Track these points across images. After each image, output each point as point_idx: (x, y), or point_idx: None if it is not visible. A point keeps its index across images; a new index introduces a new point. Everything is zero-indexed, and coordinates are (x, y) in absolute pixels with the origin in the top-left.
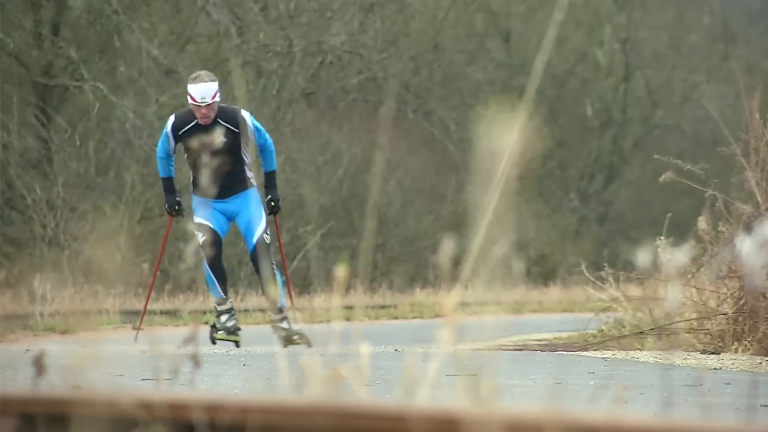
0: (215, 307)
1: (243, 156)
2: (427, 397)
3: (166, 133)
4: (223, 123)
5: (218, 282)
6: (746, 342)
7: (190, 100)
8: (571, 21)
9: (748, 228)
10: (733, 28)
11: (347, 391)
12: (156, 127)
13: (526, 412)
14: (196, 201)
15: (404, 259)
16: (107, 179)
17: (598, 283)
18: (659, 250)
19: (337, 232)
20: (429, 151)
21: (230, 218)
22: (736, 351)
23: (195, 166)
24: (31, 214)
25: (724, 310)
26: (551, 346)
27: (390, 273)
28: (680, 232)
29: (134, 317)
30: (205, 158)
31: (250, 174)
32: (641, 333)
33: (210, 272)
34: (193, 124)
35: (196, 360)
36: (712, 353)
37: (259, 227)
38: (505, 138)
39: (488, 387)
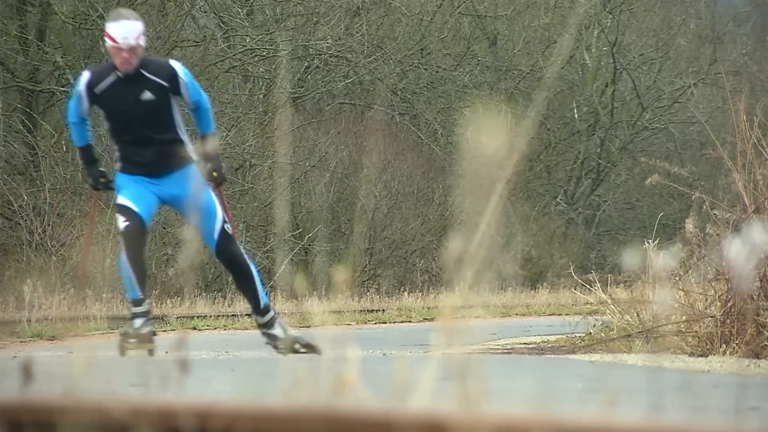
0: (130, 309)
1: (176, 120)
2: (416, 401)
3: (78, 92)
4: (149, 75)
5: (137, 279)
6: (734, 344)
7: (108, 42)
8: (559, 24)
9: (736, 231)
10: (720, 32)
11: (336, 396)
12: None
13: (514, 415)
14: (119, 178)
15: (392, 263)
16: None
17: (586, 286)
18: (647, 252)
19: (324, 236)
20: (416, 154)
21: (164, 202)
22: (724, 353)
23: (117, 136)
24: (18, 220)
25: (712, 313)
26: (539, 350)
27: (377, 277)
28: (667, 234)
29: (122, 323)
30: (129, 122)
31: (188, 144)
32: (629, 336)
33: (127, 266)
34: (112, 80)
35: (184, 365)
36: (700, 356)
37: (217, 219)
38: (497, 141)
39: (477, 391)
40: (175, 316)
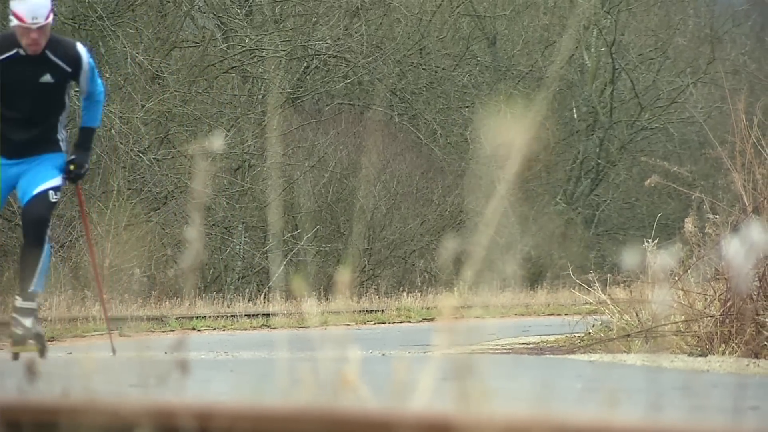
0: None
1: (65, 106)
2: (416, 401)
3: None
4: (53, 58)
5: None
6: (733, 344)
7: (16, 21)
8: (558, 24)
9: (735, 230)
10: (719, 31)
11: (336, 396)
12: (142, 133)
13: (514, 415)
14: None
15: (391, 263)
16: (93, 186)
17: (585, 286)
18: (646, 252)
19: (323, 236)
20: (415, 154)
21: (15, 185)
22: (723, 353)
23: (2, 108)
24: (17, 222)
25: (711, 313)
26: (538, 350)
27: (376, 277)
28: (667, 234)
29: (121, 324)
30: (20, 101)
31: (63, 134)
32: (628, 336)
33: None
34: (12, 53)
35: (183, 366)
36: (700, 355)
37: (47, 182)
38: (504, 139)
39: (476, 391)
40: (174, 316)
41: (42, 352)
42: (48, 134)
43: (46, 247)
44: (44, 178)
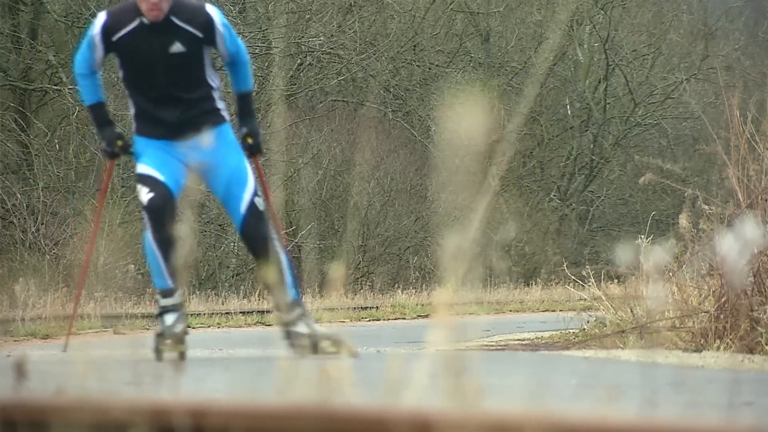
0: (158, 302)
1: (207, 75)
2: (411, 399)
3: (91, 38)
4: (179, 23)
5: (165, 264)
6: (728, 340)
7: None
8: (551, 20)
9: (729, 226)
10: (713, 27)
11: (330, 393)
12: None
13: (507, 412)
14: (139, 142)
15: (385, 260)
16: (87, 183)
17: (579, 282)
18: (640, 248)
19: (317, 233)
20: (409, 151)
21: (190, 170)
22: (718, 349)
23: (137, 90)
24: (12, 219)
25: (706, 308)
26: (533, 346)
27: (371, 274)
28: (661, 230)
29: (116, 321)
30: (153, 77)
31: (220, 102)
32: (623, 332)
33: (154, 248)
34: (134, 25)
35: (178, 364)
36: (694, 351)
37: (247, 188)
38: (487, 135)
39: (471, 387)
40: None
41: (344, 349)
42: (204, 105)
43: (282, 257)
44: (242, 183)
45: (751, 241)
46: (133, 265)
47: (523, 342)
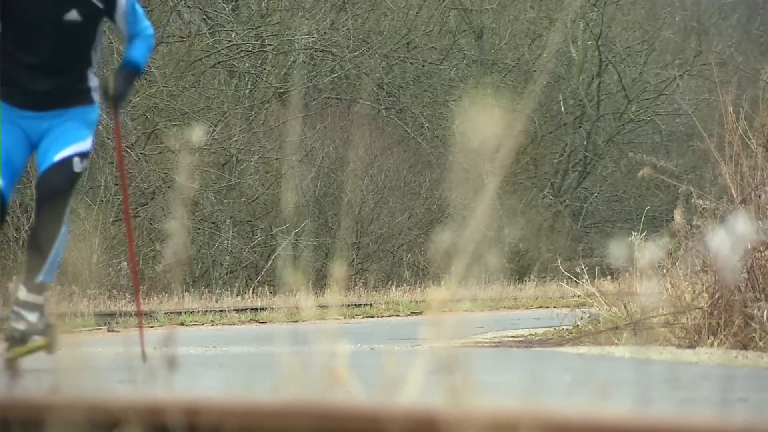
0: None
1: (93, 51)
2: (405, 395)
3: None
4: None
5: None
6: (722, 336)
7: None
8: (545, 17)
9: (723, 222)
10: (706, 24)
11: (325, 391)
12: (130, 128)
13: (503, 409)
14: None
15: (379, 257)
16: (80, 181)
17: (573, 278)
18: (634, 245)
19: (311, 230)
20: (402, 148)
21: (35, 146)
22: (711, 345)
23: (11, 53)
24: (5, 217)
25: (700, 305)
26: (527, 343)
27: (365, 271)
28: (655, 226)
29: (109, 319)
30: (37, 44)
31: (93, 80)
32: (616, 328)
33: None
34: None
35: (172, 361)
36: (688, 347)
37: (73, 146)
38: (485, 133)
39: (465, 384)
40: (162, 311)
41: (51, 346)
42: (75, 83)
43: (64, 229)
44: (69, 140)
45: (744, 237)
46: (126, 263)
47: (517, 339)
